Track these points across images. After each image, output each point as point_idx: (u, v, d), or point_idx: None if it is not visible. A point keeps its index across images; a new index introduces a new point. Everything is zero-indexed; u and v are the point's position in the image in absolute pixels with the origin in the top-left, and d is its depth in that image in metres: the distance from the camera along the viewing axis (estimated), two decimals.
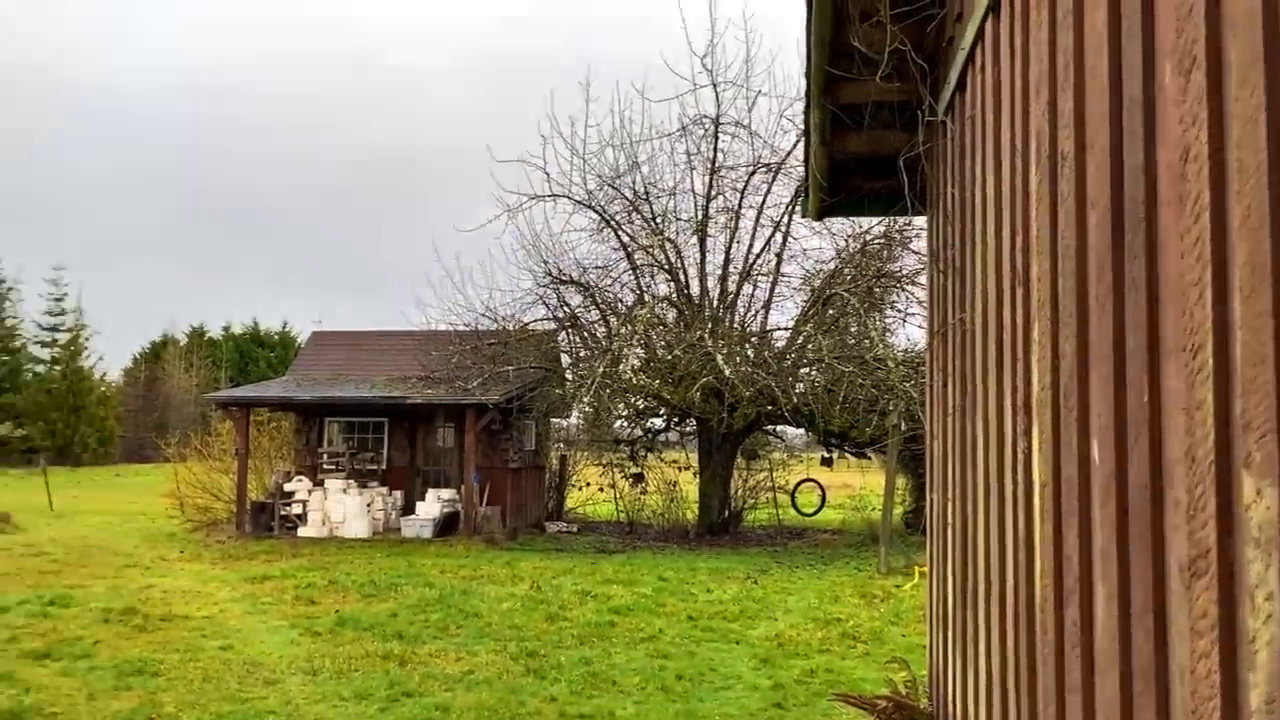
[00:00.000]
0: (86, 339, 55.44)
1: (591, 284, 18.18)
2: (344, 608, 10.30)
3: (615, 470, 20.41)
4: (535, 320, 18.64)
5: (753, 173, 17.44)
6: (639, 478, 20.10)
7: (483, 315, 18.36)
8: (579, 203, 17.84)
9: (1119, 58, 2.13)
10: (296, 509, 17.79)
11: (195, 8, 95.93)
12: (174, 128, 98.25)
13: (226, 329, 70.33)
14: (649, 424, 19.83)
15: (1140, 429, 1.96)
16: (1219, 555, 1.58)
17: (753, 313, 18.29)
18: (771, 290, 18.00)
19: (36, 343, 55.27)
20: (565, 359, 19.35)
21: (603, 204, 17.93)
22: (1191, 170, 1.71)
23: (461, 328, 18.41)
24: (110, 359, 69.81)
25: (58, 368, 54.02)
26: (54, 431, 50.12)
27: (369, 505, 17.61)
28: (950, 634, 4.36)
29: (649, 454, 20.42)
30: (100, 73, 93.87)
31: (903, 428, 14.09)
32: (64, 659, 7.88)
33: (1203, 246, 1.65)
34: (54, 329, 55.38)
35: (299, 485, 18.17)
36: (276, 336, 70.21)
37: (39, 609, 9.85)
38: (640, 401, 17.82)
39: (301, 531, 17.36)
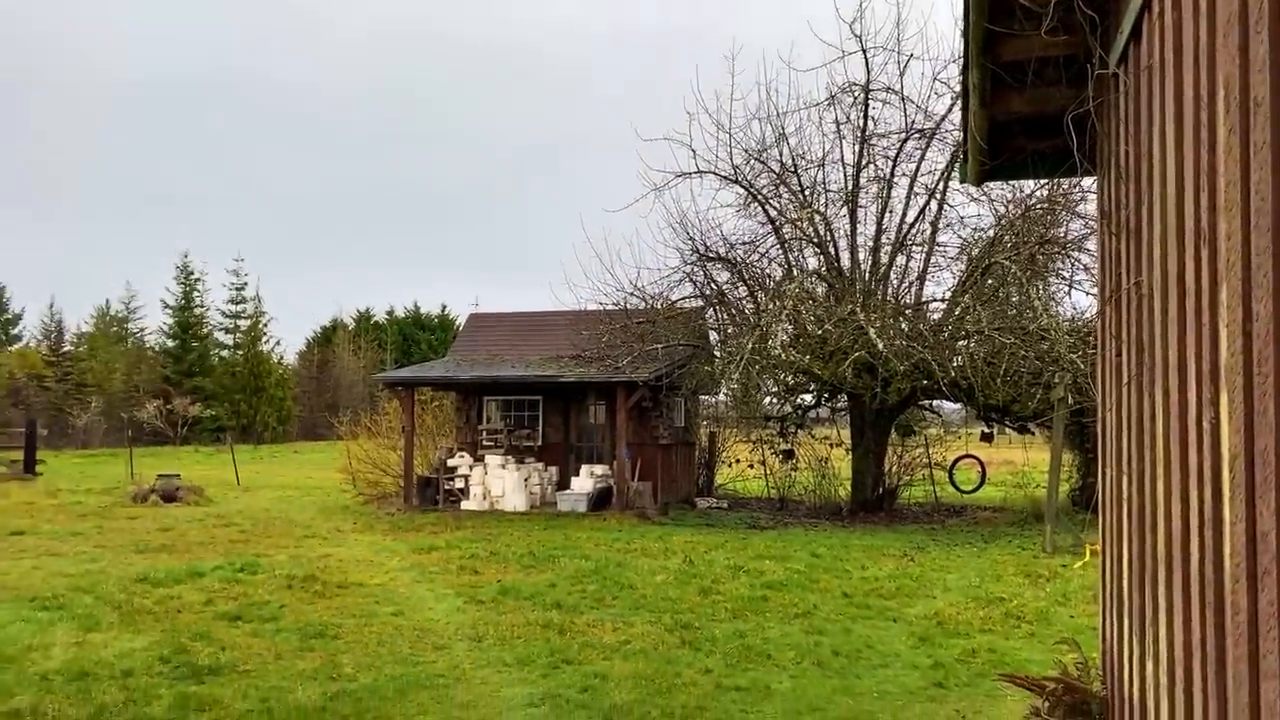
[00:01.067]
0: (265, 325, 59.77)
1: (739, 260, 18.09)
2: (505, 578, 10.69)
3: (765, 447, 20.31)
4: (683, 298, 18.72)
5: (905, 139, 16.91)
6: (789, 454, 19.92)
7: (631, 294, 18.59)
8: (725, 178, 17.75)
9: None
10: (459, 483, 18.57)
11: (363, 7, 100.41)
12: (352, 124, 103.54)
13: (390, 313, 73.91)
14: (799, 400, 19.61)
15: None
16: None
17: (907, 284, 17.77)
18: (926, 261, 17.43)
19: (221, 329, 59.82)
20: (713, 336, 19.36)
21: (750, 178, 17.79)
22: None
23: (611, 307, 18.69)
24: (286, 343, 74.62)
25: (240, 353, 58.29)
26: (238, 411, 54.14)
27: (526, 480, 18.19)
28: (1127, 615, 4.14)
29: (799, 430, 20.20)
30: (284, 70, 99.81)
31: (1069, 400, 13.40)
32: (254, 621, 8.51)
33: None
34: (236, 316, 59.75)
35: (461, 461, 18.95)
36: (436, 319, 73.24)
37: (230, 575, 10.67)
38: (790, 378, 17.63)
39: (464, 505, 18.12)
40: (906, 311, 17.09)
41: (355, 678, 6.79)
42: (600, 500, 17.85)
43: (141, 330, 63.03)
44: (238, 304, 59.65)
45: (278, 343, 65.30)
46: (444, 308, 74.35)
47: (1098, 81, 4.31)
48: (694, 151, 18.29)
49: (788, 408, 19.62)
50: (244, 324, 59.53)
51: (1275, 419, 2.22)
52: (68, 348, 56.02)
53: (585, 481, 18.01)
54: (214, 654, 7.29)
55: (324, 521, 16.40)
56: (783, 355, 15.50)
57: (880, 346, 14.68)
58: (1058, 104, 4.71)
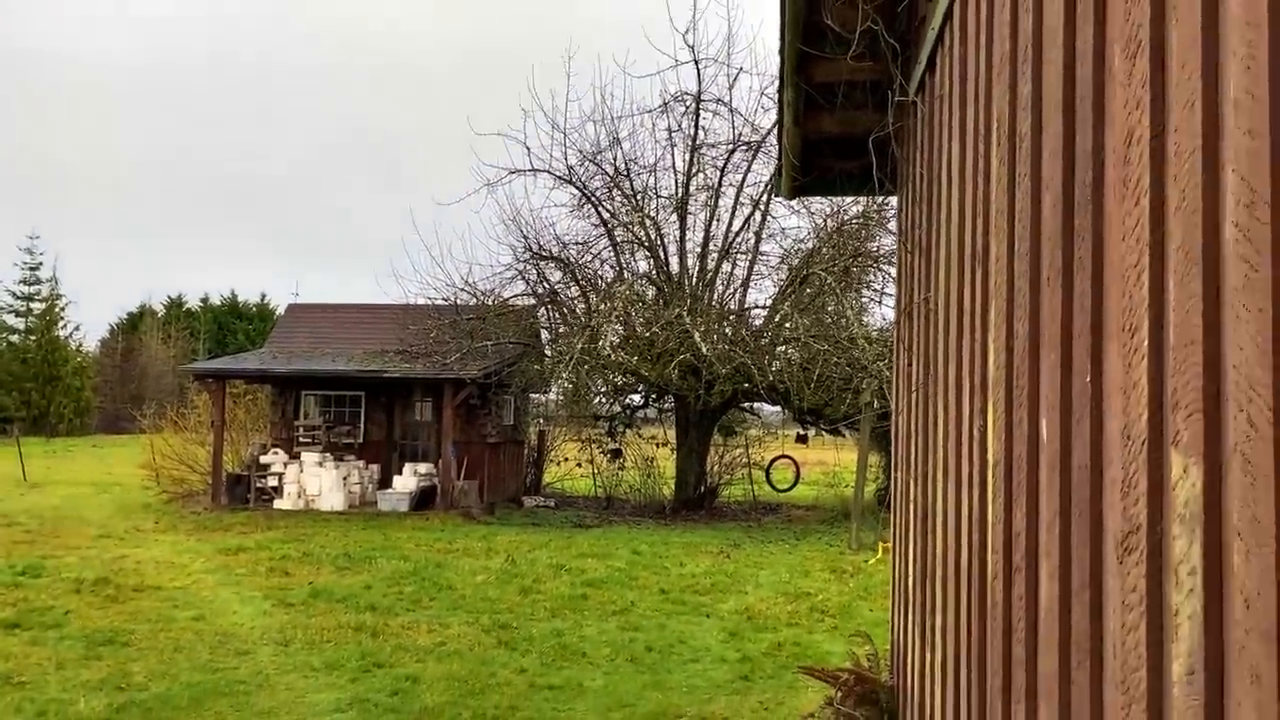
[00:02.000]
0: (62, 309, 54.86)
1: (572, 260, 18.15)
2: (318, 580, 10.32)
3: (593, 446, 20.47)
4: (515, 295, 18.62)
5: (733, 151, 17.42)
6: (617, 453, 20.16)
7: (461, 290, 18.31)
8: (559, 178, 17.78)
9: (1074, 41, 2.15)
10: (272, 481, 17.75)
11: None
12: (154, 95, 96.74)
13: (205, 301, 69.89)
14: (627, 400, 19.89)
15: (1084, 409, 2.00)
16: (1148, 532, 1.62)
17: (731, 291, 18.33)
18: (750, 268, 18.04)
19: (10, 312, 54.64)
20: (545, 335, 19.35)
21: (583, 180, 17.89)
22: (1134, 154, 1.73)
23: (440, 302, 18.34)
24: (87, 329, 69.15)
25: (32, 338, 53.44)
26: (28, 401, 49.69)
27: (345, 479, 17.60)
28: (910, 610, 4.43)
29: (627, 430, 20.48)
30: (67, 42, 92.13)
31: (875, 405, 14.20)
32: (34, 628, 7.86)
33: (1142, 230, 1.68)
34: (29, 298, 54.73)
35: (275, 458, 18.12)
36: (255, 309, 69.79)
37: (10, 579, 9.82)
38: (619, 378, 17.85)
39: (277, 504, 17.33)
40: (730, 317, 17.63)
41: (146, 686, 6.39)
42: (424, 499, 17.49)
43: None
44: (30, 284, 54.72)
45: (76, 328, 60.46)
46: (264, 297, 70.91)
47: (898, 107, 4.60)
48: (528, 149, 18.30)
49: (616, 407, 19.86)
50: (37, 307, 54.63)
51: (1028, 430, 2.44)
52: None
53: (408, 480, 17.59)
54: None
55: (122, 521, 15.32)
56: (612, 356, 15.68)
57: (705, 350, 15.09)
58: (864, 126, 4.99)
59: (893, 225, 15.95)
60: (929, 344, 4.07)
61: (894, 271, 16.57)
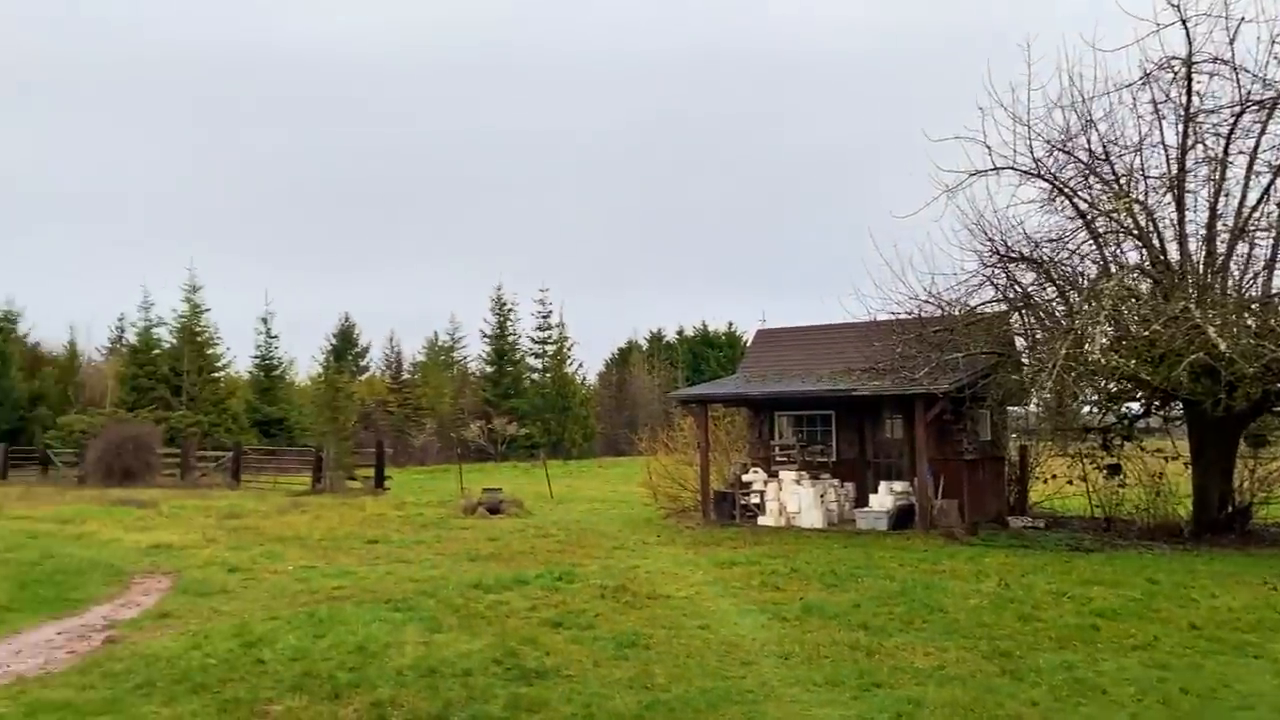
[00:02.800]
0: (569, 349, 63.98)
1: (1045, 259, 16.81)
2: (808, 596, 10.58)
3: (1085, 461, 18.65)
4: (983, 303, 17.68)
5: (1240, 113, 14.98)
6: (1115, 469, 18.16)
7: (926, 302, 17.82)
8: (1026, 172, 16.61)
9: None
10: (754, 499, 18.70)
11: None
12: (617, 157, 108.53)
13: (680, 332, 76.41)
14: (1124, 409, 17.86)
15: None
16: None
17: (1251, 275, 15.65)
18: (1275, 247, 15.28)
19: (531, 355, 64.78)
20: (1020, 342, 18.12)
21: (1053, 171, 16.52)
22: None
23: (904, 316, 18.03)
24: (587, 365, 79.48)
25: (548, 375, 62.88)
26: (548, 429, 58.30)
27: (822, 496, 17.96)
28: None
29: (1125, 442, 18.37)
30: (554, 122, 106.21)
31: None
32: (573, 628, 9.00)
33: None
34: (543, 342, 64.44)
35: (755, 476, 19.08)
36: (723, 336, 74.88)
37: (550, 583, 11.39)
38: (1112, 385, 16.10)
39: (760, 520, 18.21)
40: (1253, 306, 15.06)
41: (668, 688, 6.98)
42: (901, 519, 17.23)
43: (465, 358, 69.66)
44: (544, 330, 64.32)
45: (580, 365, 69.61)
46: (730, 325, 75.77)
47: None
48: (989, 147, 17.26)
49: (1110, 418, 17.92)
50: (550, 349, 64.07)
51: None
52: (406, 376, 62.87)
53: (885, 498, 17.47)
54: (540, 658, 7.80)
55: (630, 534, 17.12)
56: (1102, 360, 14.15)
57: (1222, 347, 13.03)
58: None
59: None
60: None
61: None
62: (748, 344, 28.03)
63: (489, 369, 63.96)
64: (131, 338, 52.33)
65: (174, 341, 48.37)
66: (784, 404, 20.18)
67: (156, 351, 47.87)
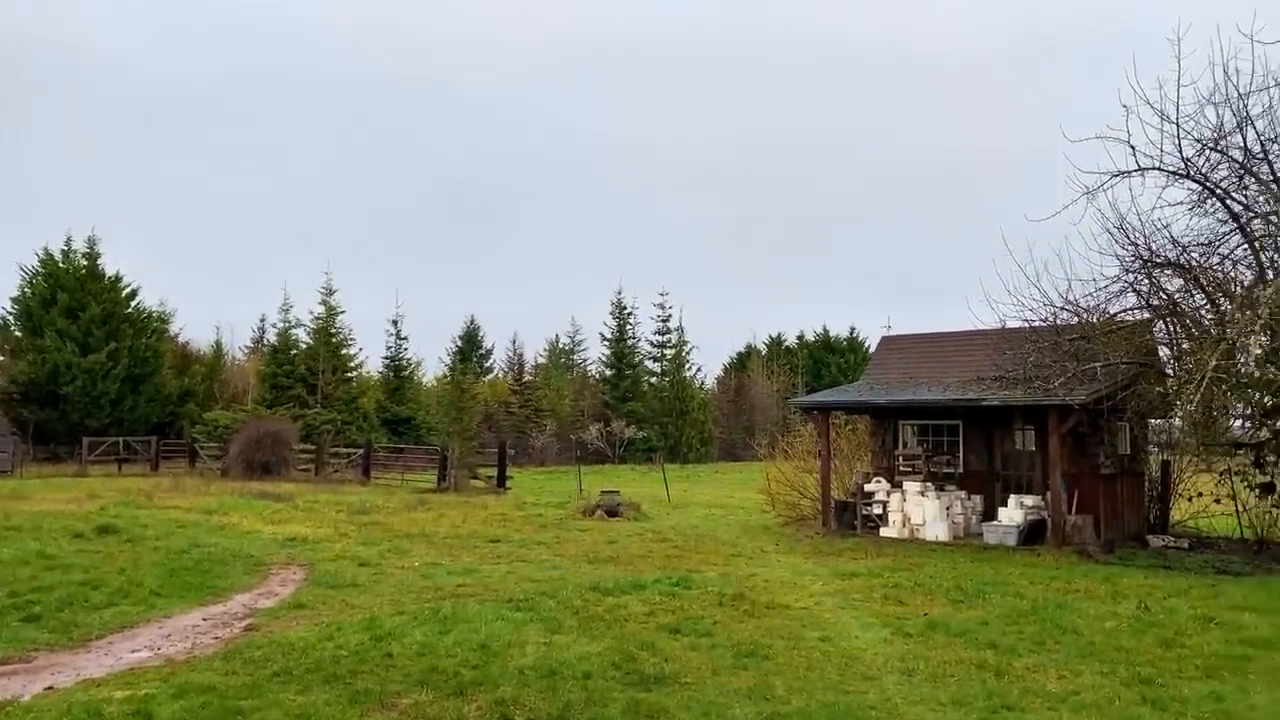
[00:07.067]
0: (687, 353, 64.15)
1: (1193, 264, 15.87)
2: (933, 611, 10.28)
3: (1235, 478, 17.50)
4: (1124, 310, 16.80)
5: None
6: (1269, 488, 16.96)
7: (1061, 309, 17.06)
8: (1173, 173, 15.71)
9: None
10: (877, 509, 18.28)
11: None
12: (725, 160, 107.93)
13: (800, 338, 75.41)
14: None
15: None
16: None
17: None
18: None
19: (649, 358, 65.20)
20: (1164, 352, 17.16)
21: (1204, 171, 15.58)
22: None
23: (1038, 324, 17.31)
24: (706, 369, 79.43)
25: (666, 379, 63.13)
26: (665, 433, 58.49)
27: (948, 509, 17.43)
28: None
29: None
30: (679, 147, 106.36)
31: None
32: (690, 635, 8.99)
33: None
34: (662, 346, 64.80)
35: (878, 486, 18.66)
36: (845, 342, 73.59)
37: (668, 588, 11.40)
38: (1267, 399, 15.07)
39: (883, 531, 17.79)
40: None
41: (788, 700, 6.89)
42: (1032, 534, 16.54)
43: (584, 360, 70.61)
44: (663, 334, 64.60)
45: (698, 369, 69.65)
46: (852, 330, 74.41)
47: None
48: (1133, 147, 16.39)
49: (1265, 433, 16.77)
50: (669, 353, 64.29)
51: None
52: (527, 378, 64.13)
53: (1014, 512, 16.81)
54: (658, 664, 7.82)
55: (748, 541, 16.99)
56: (1257, 373, 13.27)
57: None
58: None
59: None
60: None
61: None
62: (870, 350, 27.46)
63: (608, 372, 64.61)
64: (272, 338, 55.11)
65: (310, 342, 50.62)
66: (909, 413, 19.67)
67: (295, 351, 50.17)
